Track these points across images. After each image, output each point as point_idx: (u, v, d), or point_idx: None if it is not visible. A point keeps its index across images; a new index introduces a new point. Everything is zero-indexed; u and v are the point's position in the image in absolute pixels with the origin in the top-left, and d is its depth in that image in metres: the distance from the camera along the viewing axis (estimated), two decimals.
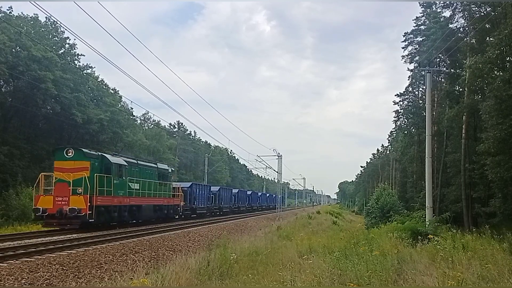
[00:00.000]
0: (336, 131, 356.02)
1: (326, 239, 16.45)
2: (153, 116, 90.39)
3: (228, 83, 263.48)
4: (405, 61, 43.08)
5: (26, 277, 9.91)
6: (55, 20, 34.88)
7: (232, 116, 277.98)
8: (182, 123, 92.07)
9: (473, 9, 29.10)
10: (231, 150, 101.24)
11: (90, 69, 48.30)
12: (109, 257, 13.02)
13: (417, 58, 39.32)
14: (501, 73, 21.78)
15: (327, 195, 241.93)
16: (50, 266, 11.05)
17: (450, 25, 32.74)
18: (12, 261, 11.45)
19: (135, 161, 26.14)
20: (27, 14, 41.73)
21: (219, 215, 43.14)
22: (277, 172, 53.06)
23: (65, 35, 43.63)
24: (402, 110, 46.82)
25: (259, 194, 74.98)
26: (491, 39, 23.44)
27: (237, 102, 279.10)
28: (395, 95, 46.50)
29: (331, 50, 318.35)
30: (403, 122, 48.49)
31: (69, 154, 20.45)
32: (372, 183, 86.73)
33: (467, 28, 30.04)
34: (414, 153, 42.33)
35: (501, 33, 20.35)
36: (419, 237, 15.14)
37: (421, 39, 39.42)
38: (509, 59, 22.67)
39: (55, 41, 43.81)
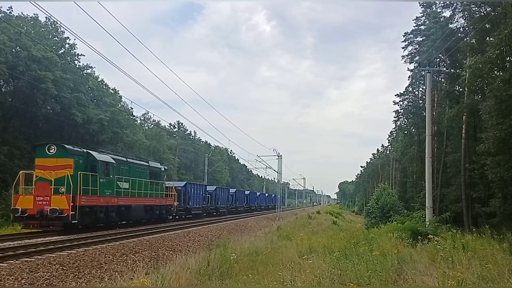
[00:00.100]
0: (336, 131, 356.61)
1: (326, 239, 16.44)
2: (153, 116, 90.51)
3: (228, 83, 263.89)
4: (405, 61, 43.15)
5: (26, 277, 9.91)
6: (55, 20, 34.91)
7: (232, 116, 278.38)
8: (182, 123, 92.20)
9: (473, 9, 29.10)
10: (231, 150, 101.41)
11: (90, 69, 48.35)
12: (109, 257, 13.03)
13: (417, 58, 39.34)
14: (501, 73, 21.78)
15: (327, 195, 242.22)
16: (50, 266, 11.05)
17: (450, 25, 32.77)
18: (12, 261, 11.46)
19: (124, 159, 24.87)
20: (27, 14, 41.77)
21: (216, 216, 41.98)
22: (277, 172, 53.11)
23: (65, 35, 43.68)
24: (402, 110, 46.84)
25: (258, 194, 73.61)
26: (491, 39, 23.43)
27: (237, 102, 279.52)
28: (395, 95, 46.56)
29: (331, 50, 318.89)
30: (403, 122, 48.51)
31: (51, 151, 19.22)
32: (372, 183, 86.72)
33: (467, 28, 30.04)
34: (414, 153, 42.32)
35: (501, 33, 20.34)
36: (419, 237, 15.13)
37: (421, 39, 39.43)
38: (509, 59, 22.67)
39: (55, 41, 43.82)
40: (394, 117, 49.12)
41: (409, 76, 42.63)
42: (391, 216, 27.60)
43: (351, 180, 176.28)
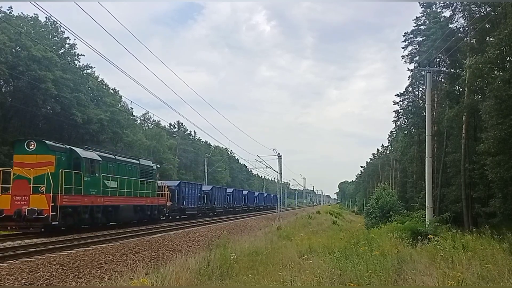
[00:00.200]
0: (336, 131, 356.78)
1: (326, 239, 16.43)
2: (153, 116, 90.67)
3: (228, 83, 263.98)
4: (405, 61, 43.15)
5: (26, 277, 9.91)
6: (55, 20, 34.94)
7: (232, 116, 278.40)
8: (182, 123, 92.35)
9: (473, 9, 29.09)
10: (231, 150, 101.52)
11: (90, 69, 48.49)
12: (109, 257, 13.02)
13: (417, 58, 39.32)
14: (501, 73, 21.77)
15: (327, 195, 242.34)
16: (50, 266, 11.05)
17: (450, 25, 32.76)
18: (12, 261, 11.45)
19: (112, 156, 23.50)
20: (27, 14, 41.89)
21: (213, 216, 40.63)
22: (277, 172, 53.09)
23: (65, 35, 43.78)
24: (402, 110, 46.84)
25: (256, 194, 72.04)
26: (491, 39, 23.43)
27: (237, 102, 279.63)
28: (395, 95, 46.57)
29: (331, 50, 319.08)
30: (403, 122, 48.51)
31: (30, 147, 17.95)
32: (372, 183, 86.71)
33: (467, 28, 30.03)
34: (414, 153, 42.32)
35: (501, 33, 20.33)
36: (419, 237, 15.13)
37: (421, 39, 39.43)
38: (509, 59, 22.66)
39: (55, 41, 43.89)
40: (394, 117, 49.21)
41: (409, 76, 42.71)
42: (391, 216, 27.61)
43: (351, 180, 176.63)
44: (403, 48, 42.22)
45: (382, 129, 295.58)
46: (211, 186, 46.72)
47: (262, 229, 26.36)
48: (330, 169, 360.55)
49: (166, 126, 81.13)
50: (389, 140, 74.05)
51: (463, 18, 31.36)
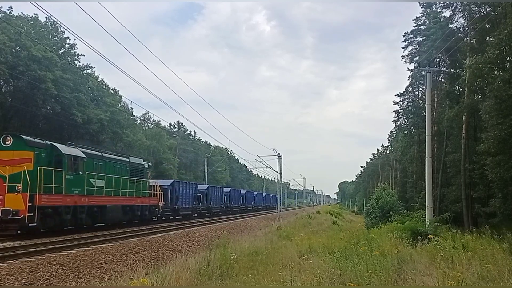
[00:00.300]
0: (336, 131, 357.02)
1: (326, 239, 16.43)
2: (153, 116, 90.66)
3: (228, 83, 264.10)
4: (405, 61, 43.13)
5: (26, 277, 9.91)
6: (55, 20, 35.00)
7: (232, 116, 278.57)
8: (182, 123, 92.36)
9: (473, 9, 29.08)
10: (231, 150, 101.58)
11: (90, 69, 48.50)
12: (109, 257, 13.02)
13: (417, 58, 39.32)
14: (501, 73, 21.76)
15: (327, 195, 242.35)
16: (50, 266, 11.05)
17: (450, 25, 32.75)
18: (12, 261, 11.45)
19: (99, 153, 22.08)
20: (27, 14, 41.90)
21: (209, 217, 39.16)
22: (277, 172, 53.10)
23: (65, 35, 43.78)
24: (402, 110, 46.82)
25: (255, 193, 70.50)
26: (491, 39, 23.42)
27: (237, 102, 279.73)
28: (395, 95, 46.53)
29: (331, 50, 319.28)
30: (403, 122, 48.49)
31: (7, 143, 16.63)
32: (372, 183, 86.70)
33: (467, 28, 30.02)
34: (414, 153, 42.31)
35: (501, 33, 20.32)
36: (419, 237, 15.13)
37: (421, 39, 39.41)
38: (509, 59, 22.65)
39: (55, 41, 43.91)
40: (394, 117, 49.18)
41: (409, 76, 42.68)
42: (391, 216, 27.61)
43: (351, 180, 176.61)
44: (403, 48, 42.28)
45: (382, 129, 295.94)
46: (207, 185, 45.20)
47: (262, 229, 26.36)
48: (330, 169, 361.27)
49: (166, 126, 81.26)
50: (389, 140, 74.12)
51: (463, 18, 31.39)
